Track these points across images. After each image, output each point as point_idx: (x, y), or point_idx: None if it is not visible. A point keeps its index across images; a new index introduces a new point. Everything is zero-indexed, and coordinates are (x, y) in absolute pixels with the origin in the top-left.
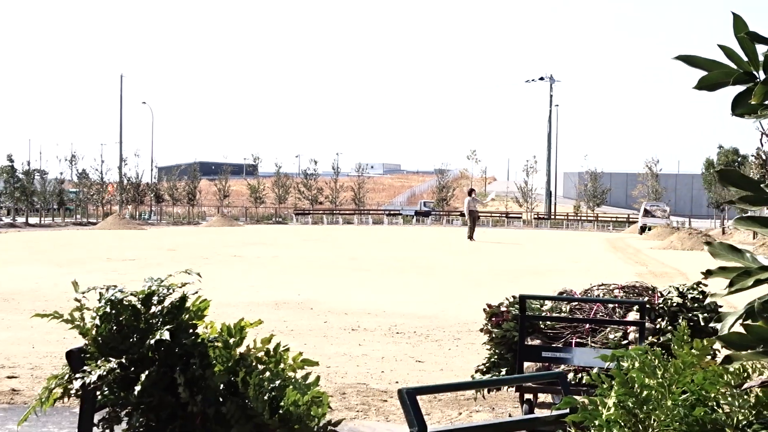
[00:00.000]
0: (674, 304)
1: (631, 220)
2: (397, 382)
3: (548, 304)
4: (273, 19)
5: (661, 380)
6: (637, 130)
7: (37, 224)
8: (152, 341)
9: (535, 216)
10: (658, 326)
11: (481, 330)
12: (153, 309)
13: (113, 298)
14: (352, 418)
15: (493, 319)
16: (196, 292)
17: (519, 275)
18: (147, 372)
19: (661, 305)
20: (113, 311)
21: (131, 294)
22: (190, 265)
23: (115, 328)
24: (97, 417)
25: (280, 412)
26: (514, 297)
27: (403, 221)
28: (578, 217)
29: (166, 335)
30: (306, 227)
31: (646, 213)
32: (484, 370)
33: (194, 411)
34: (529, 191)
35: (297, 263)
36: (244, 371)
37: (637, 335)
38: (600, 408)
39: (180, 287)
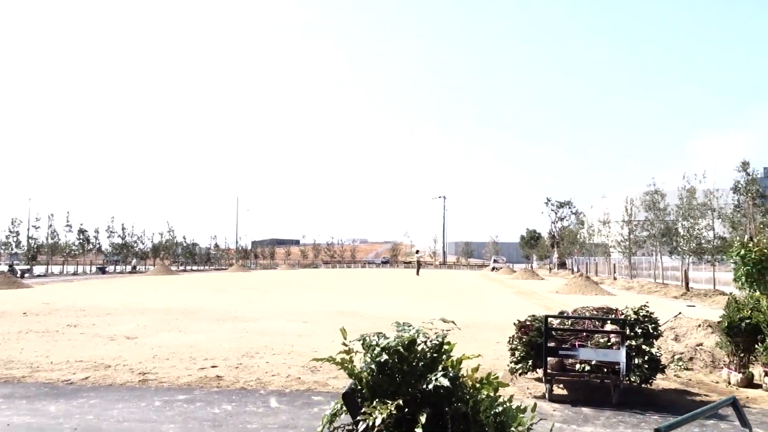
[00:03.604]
0: (632, 319)
1: (485, 265)
2: None
3: (555, 321)
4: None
5: None
6: (486, 220)
7: (196, 270)
8: (430, 386)
9: (439, 262)
10: (627, 332)
11: (512, 337)
12: (415, 353)
13: (386, 345)
14: None
15: (522, 329)
16: (445, 336)
17: (450, 292)
18: (425, 414)
19: (624, 320)
20: (384, 357)
21: (395, 340)
22: (282, 290)
23: (379, 370)
24: None
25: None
26: (533, 315)
27: (375, 266)
28: (459, 264)
29: (446, 382)
30: (329, 270)
31: (495, 261)
32: (517, 361)
33: None
34: (435, 251)
35: (336, 288)
36: (473, 401)
37: (618, 339)
38: None
39: (441, 332)
